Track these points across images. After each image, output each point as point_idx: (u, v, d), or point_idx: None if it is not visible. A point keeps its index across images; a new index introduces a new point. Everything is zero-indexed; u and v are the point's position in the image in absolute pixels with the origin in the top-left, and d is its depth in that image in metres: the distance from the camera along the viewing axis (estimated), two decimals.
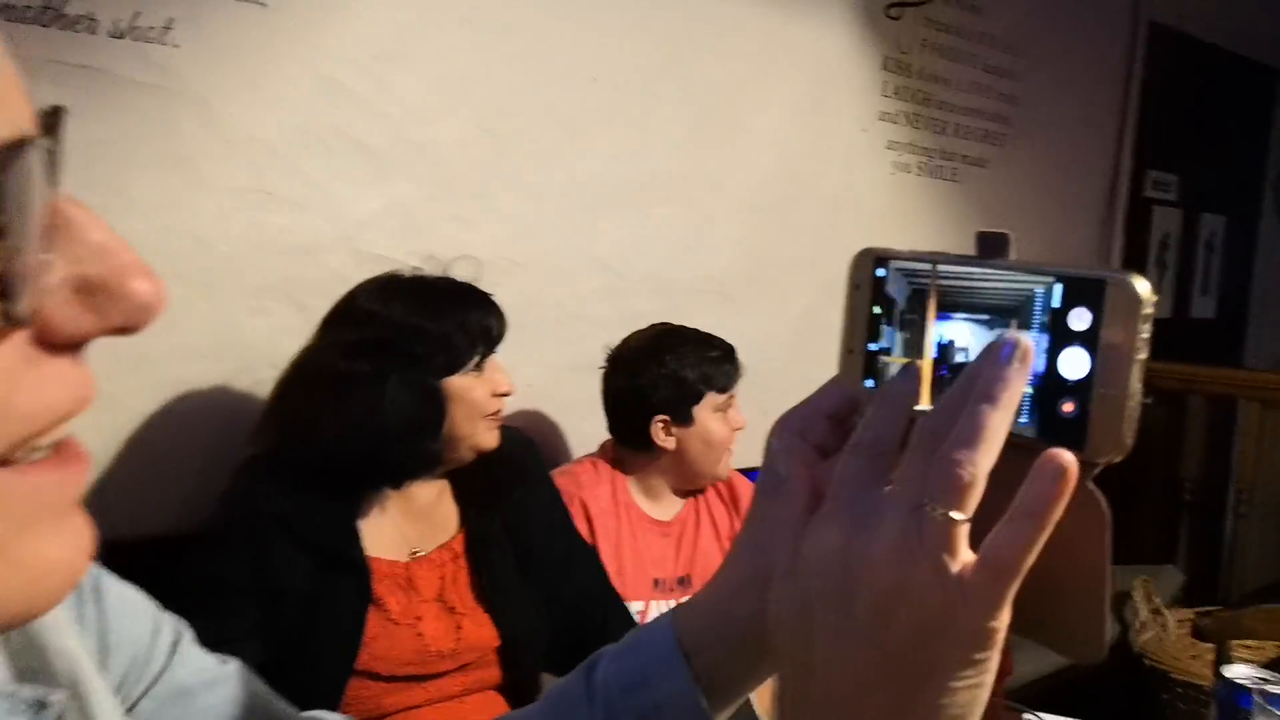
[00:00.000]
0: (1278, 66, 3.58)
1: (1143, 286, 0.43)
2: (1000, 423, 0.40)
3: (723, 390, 1.73)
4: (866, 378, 0.54)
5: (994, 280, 0.49)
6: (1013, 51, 2.74)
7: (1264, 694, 1.01)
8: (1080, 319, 0.45)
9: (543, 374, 1.97)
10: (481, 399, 1.39)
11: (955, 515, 0.39)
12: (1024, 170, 2.79)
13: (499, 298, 1.46)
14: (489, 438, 1.41)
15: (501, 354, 1.46)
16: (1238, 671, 1.11)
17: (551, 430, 2.02)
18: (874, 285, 0.54)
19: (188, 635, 0.55)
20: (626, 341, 1.79)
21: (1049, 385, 0.45)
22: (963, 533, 0.39)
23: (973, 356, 0.49)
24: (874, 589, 0.39)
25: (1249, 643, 2.08)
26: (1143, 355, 0.43)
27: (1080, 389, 0.44)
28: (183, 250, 1.51)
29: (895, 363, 0.53)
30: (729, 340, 1.80)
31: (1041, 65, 2.81)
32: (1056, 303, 0.46)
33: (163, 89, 1.46)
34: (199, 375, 1.54)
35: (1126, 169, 3.03)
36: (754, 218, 2.27)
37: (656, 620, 0.54)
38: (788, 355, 2.34)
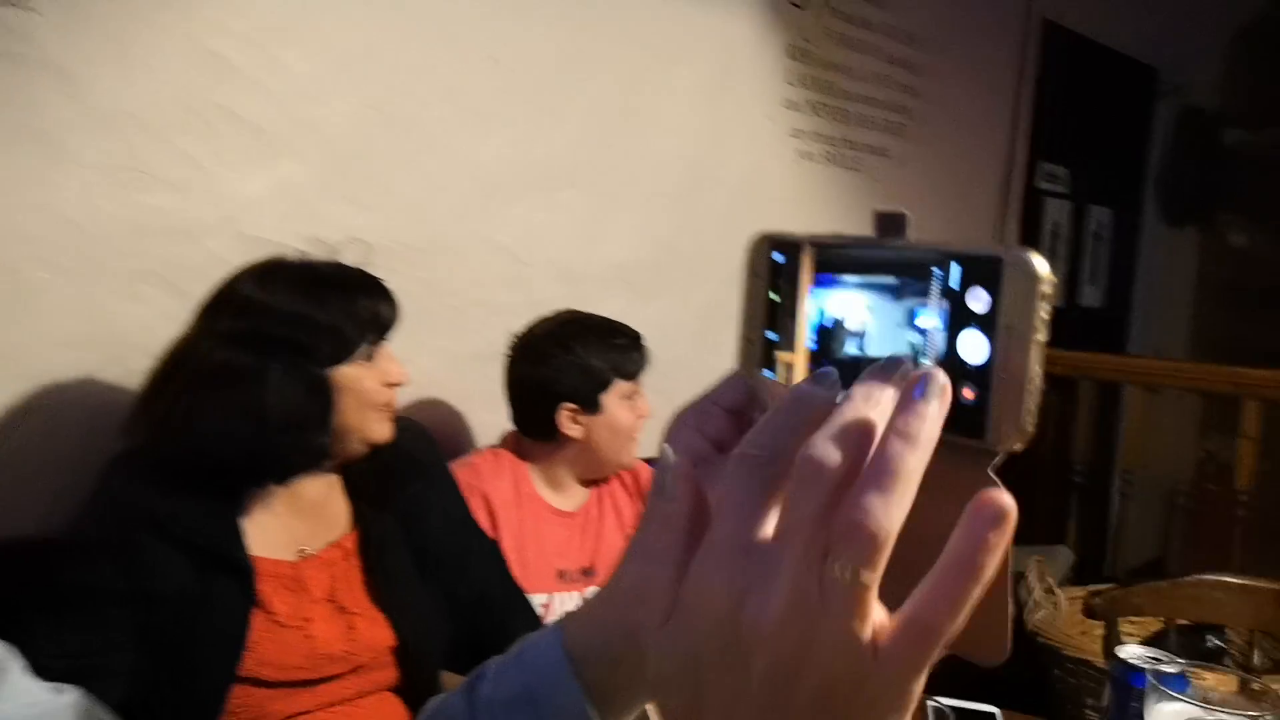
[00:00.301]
0: (1157, 65, 3.71)
1: (1039, 264, 0.41)
2: (918, 467, 0.36)
3: (630, 378, 1.71)
4: (765, 366, 0.52)
5: (892, 261, 0.47)
6: (913, 43, 2.77)
7: (1157, 674, 1.02)
8: (978, 300, 0.43)
9: (442, 363, 1.91)
10: (372, 390, 1.33)
11: (865, 577, 0.34)
12: (924, 160, 2.83)
13: (395, 284, 1.39)
14: (381, 430, 1.35)
15: (397, 343, 1.40)
16: (1131, 652, 1.13)
17: (452, 421, 1.96)
18: (771, 271, 0.51)
19: (15, 666, 0.49)
20: (531, 329, 1.75)
21: (948, 371, 0.42)
22: (873, 594, 0.34)
23: (870, 346, 0.48)
24: (772, 656, 0.34)
25: (1134, 619, 2.15)
26: (1042, 336, 0.41)
27: (980, 374, 0.42)
28: (47, 231, 1.41)
29: (788, 359, 0.51)
30: (635, 328, 1.77)
31: (940, 57, 2.85)
32: (955, 283, 0.43)
33: (22, 58, 1.35)
34: (66, 366, 1.44)
35: (1020, 161, 3.11)
36: (660, 204, 2.24)
37: (544, 630, 0.51)
38: (694, 344, 2.32)
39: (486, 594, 1.51)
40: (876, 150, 2.71)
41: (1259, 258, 3.95)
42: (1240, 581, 1.82)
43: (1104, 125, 3.56)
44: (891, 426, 0.36)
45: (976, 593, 0.35)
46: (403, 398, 1.82)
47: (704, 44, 2.28)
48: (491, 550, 1.55)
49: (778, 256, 0.52)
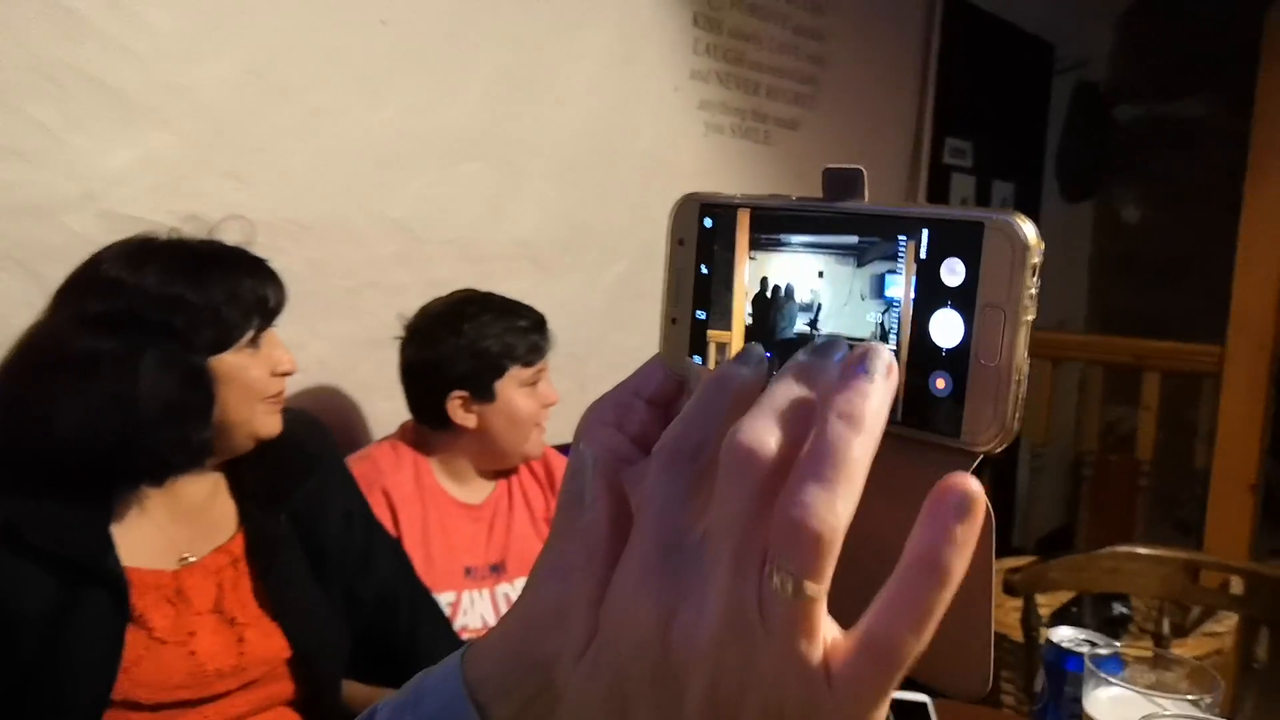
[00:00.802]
0: (1055, 42, 3.76)
1: (1029, 230, 0.35)
2: (863, 455, 0.31)
3: (528, 363, 1.60)
4: (694, 352, 0.45)
5: (847, 228, 0.40)
6: (818, 12, 2.72)
7: (1094, 658, 0.99)
8: (953, 273, 0.36)
9: (335, 349, 1.79)
10: (258, 379, 1.21)
11: (809, 589, 0.29)
12: (833, 133, 2.80)
13: (282, 265, 1.27)
14: (269, 423, 1.23)
15: (284, 328, 1.28)
16: (1063, 635, 1.09)
17: (347, 411, 1.84)
18: (700, 240, 0.45)
19: None
20: (424, 310, 1.64)
21: (916, 356, 0.37)
22: (820, 607, 0.29)
23: (824, 323, 0.41)
24: (708, 682, 0.29)
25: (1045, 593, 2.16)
26: (1030, 316, 0.35)
27: (955, 360, 0.36)
28: None
29: (721, 338, 0.44)
30: (542, 308, 1.68)
31: (846, 27, 2.82)
32: (925, 253, 0.37)
33: None
34: None
35: (927, 135, 3.11)
36: (566, 178, 2.15)
37: (443, 665, 0.42)
38: (605, 324, 2.24)
39: (390, 596, 1.40)
40: (786, 123, 2.66)
41: (1151, 231, 4.06)
42: (1151, 552, 1.83)
43: (1006, 101, 3.59)
44: (831, 407, 0.31)
45: (943, 600, 0.30)
46: (292, 387, 1.70)
47: (607, 9, 2.19)
48: (394, 548, 1.44)
49: (707, 221, 0.45)
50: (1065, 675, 1.07)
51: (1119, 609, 2.59)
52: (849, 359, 0.33)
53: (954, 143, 3.27)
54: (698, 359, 0.45)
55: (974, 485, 0.30)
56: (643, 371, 0.46)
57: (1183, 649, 2.31)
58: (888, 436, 0.35)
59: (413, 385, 1.63)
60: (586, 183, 2.19)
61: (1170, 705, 0.86)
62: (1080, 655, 1.04)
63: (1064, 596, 2.54)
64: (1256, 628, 1.87)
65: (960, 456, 0.37)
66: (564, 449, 1.91)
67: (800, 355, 0.35)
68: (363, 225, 1.81)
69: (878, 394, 0.32)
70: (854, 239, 0.41)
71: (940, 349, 0.36)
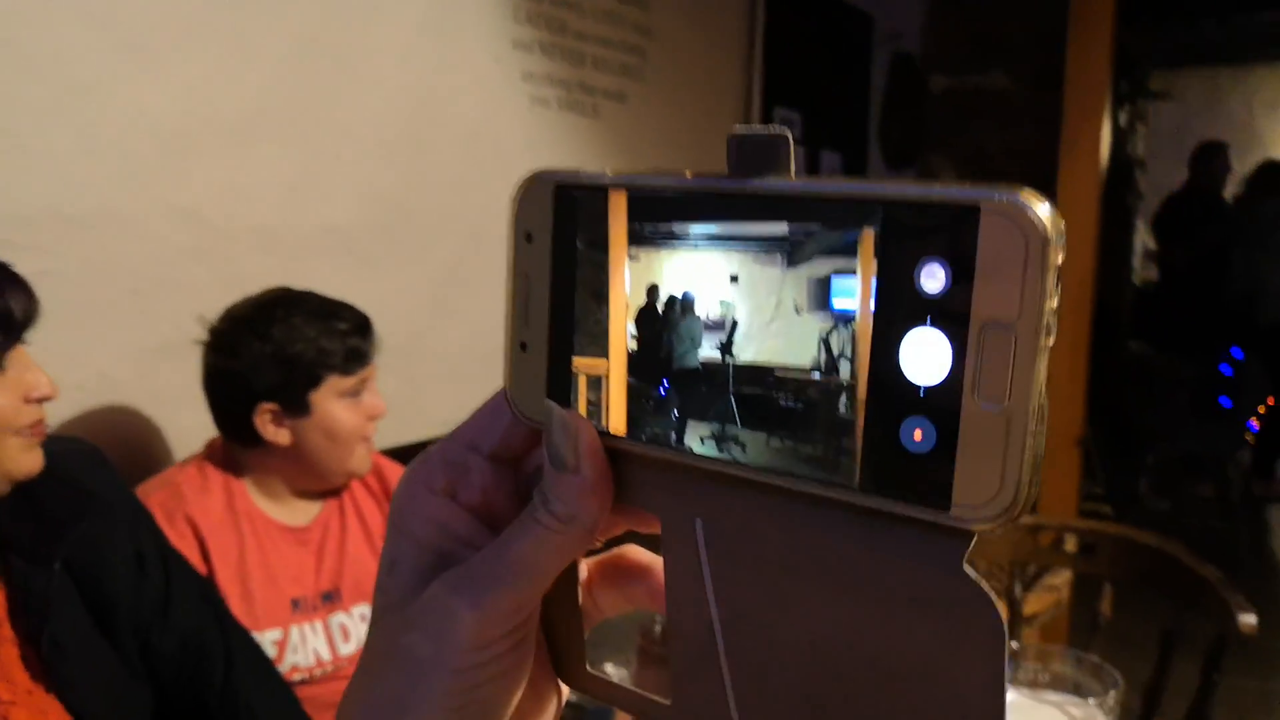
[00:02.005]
0: (873, 13, 3.80)
1: (1045, 214, 0.25)
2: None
3: (348, 372, 1.41)
4: (553, 390, 0.34)
5: (772, 213, 0.30)
6: None
7: None
8: (934, 277, 0.26)
9: (120, 360, 1.56)
10: (6, 409, 1.00)
11: None
12: (662, 105, 2.71)
13: (45, 266, 1.07)
14: (25, 460, 1.02)
15: (52, 341, 1.07)
16: None
17: (142, 431, 1.61)
18: (557, 234, 0.33)
19: None
20: (229, 311, 1.44)
21: (882, 395, 0.27)
22: None
23: (742, 345, 0.32)
24: None
25: None
26: (1050, 339, 0.25)
27: (939, 400, 0.26)
28: None
29: (592, 369, 0.34)
30: (361, 301, 1.50)
31: None
32: (890, 249, 0.27)
33: None
34: None
35: (757, 106, 3.06)
36: (379, 158, 1.96)
37: None
38: (431, 316, 2.08)
39: (197, 643, 1.21)
40: (614, 95, 2.55)
41: None
42: None
43: (831, 71, 3.60)
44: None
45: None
46: (70, 409, 1.47)
47: None
48: (201, 588, 1.25)
49: (565, 209, 0.34)
50: None
51: None
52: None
53: (783, 113, 3.24)
54: (556, 401, 0.35)
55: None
56: (483, 416, 0.35)
57: (1028, 606, 2.37)
58: (844, 514, 0.28)
59: (216, 398, 1.43)
60: (403, 162, 2.01)
61: (1076, 711, 0.80)
62: None
63: None
64: (1099, 584, 1.91)
65: (949, 537, 0.26)
66: (395, 453, 1.74)
67: None
68: (146, 216, 1.58)
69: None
70: (782, 228, 0.30)
71: (915, 386, 0.26)
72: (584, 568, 0.40)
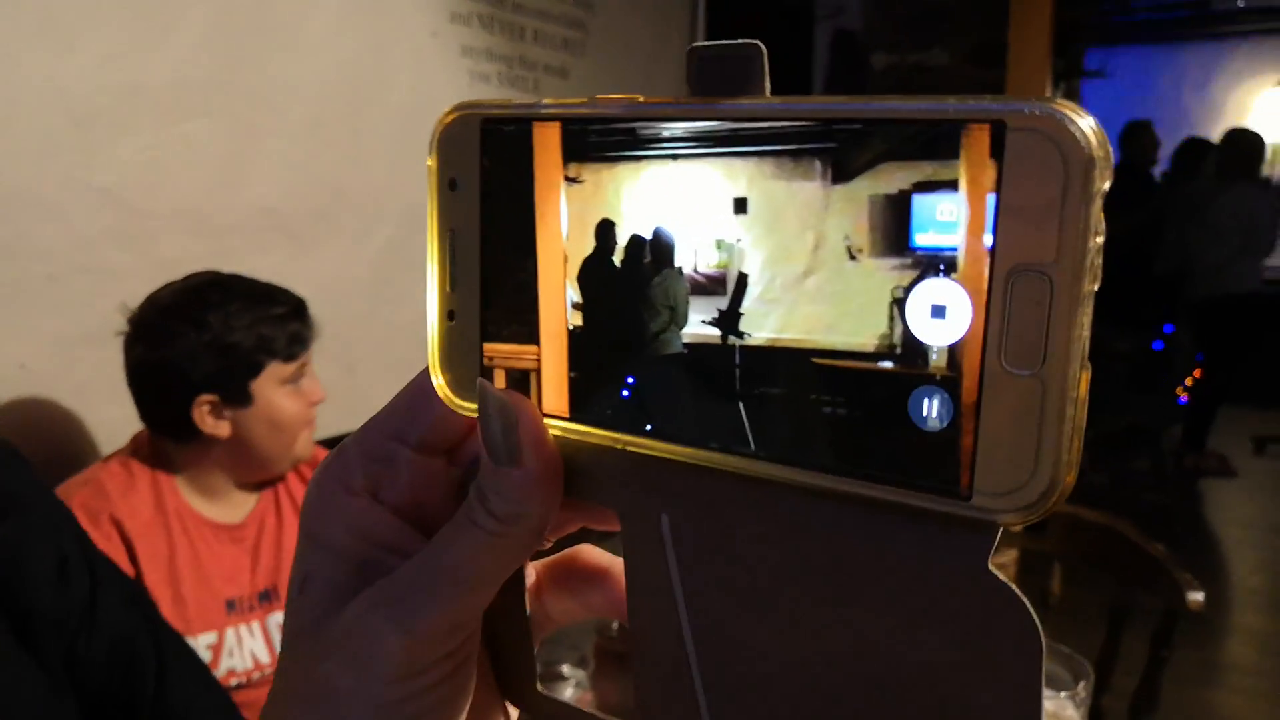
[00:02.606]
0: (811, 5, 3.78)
1: (1088, 129, 0.20)
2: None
3: (290, 358, 1.35)
4: (488, 367, 0.29)
5: (742, 141, 0.25)
6: None
7: None
8: (948, 218, 0.21)
9: (39, 350, 1.47)
10: None
11: None
12: (605, 81, 2.64)
13: None
14: None
15: None
16: None
17: (61, 426, 1.52)
18: (486, 178, 0.28)
19: None
20: (153, 299, 1.35)
21: (881, 370, 0.23)
22: None
23: (754, 318, 0.25)
24: None
25: None
26: (1094, 285, 0.20)
27: (953, 365, 0.22)
28: None
29: (517, 357, 0.29)
30: (297, 285, 1.43)
31: None
32: (891, 184, 0.22)
33: None
34: None
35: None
36: (313, 135, 1.88)
37: None
38: (371, 298, 2.01)
39: (125, 651, 1.15)
40: (555, 71, 2.48)
41: None
42: None
43: (774, 47, 3.57)
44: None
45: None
46: None
47: None
48: (128, 592, 1.18)
49: (496, 148, 0.28)
50: None
51: None
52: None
53: None
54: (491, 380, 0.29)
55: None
56: (406, 401, 0.30)
57: None
58: (844, 506, 0.23)
59: (145, 391, 1.34)
60: (338, 140, 1.93)
61: (1047, 704, 0.78)
62: None
63: None
64: (1046, 561, 1.92)
65: (969, 532, 0.22)
66: (333, 442, 1.68)
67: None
68: (61, 197, 1.49)
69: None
70: (760, 162, 0.25)
71: (925, 346, 0.22)
72: (531, 572, 0.35)
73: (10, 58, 1.40)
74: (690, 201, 0.25)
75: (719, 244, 0.25)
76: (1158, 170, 5.36)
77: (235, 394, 1.31)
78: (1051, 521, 1.86)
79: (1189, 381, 4.68)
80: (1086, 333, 0.20)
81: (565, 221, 0.27)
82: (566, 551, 0.35)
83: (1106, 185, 0.20)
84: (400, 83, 2.05)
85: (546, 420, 0.28)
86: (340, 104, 1.92)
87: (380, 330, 2.00)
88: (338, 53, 1.91)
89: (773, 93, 0.25)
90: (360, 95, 1.96)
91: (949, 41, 3.83)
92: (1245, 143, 4.67)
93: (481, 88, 2.25)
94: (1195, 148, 5.10)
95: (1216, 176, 4.60)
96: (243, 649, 1.34)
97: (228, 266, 1.43)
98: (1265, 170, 4.94)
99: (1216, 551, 3.95)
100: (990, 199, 0.21)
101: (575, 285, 0.27)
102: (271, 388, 1.32)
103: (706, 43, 0.26)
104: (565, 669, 1.03)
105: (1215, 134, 5.31)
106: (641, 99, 0.27)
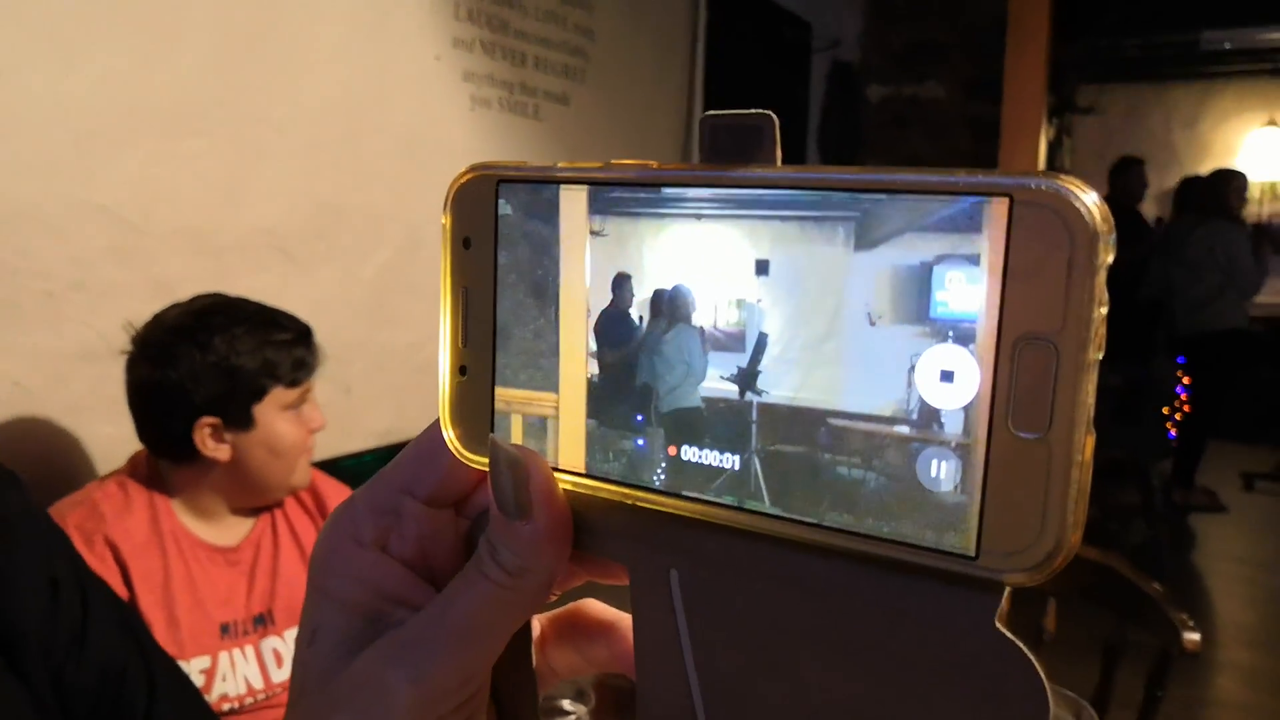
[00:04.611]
0: (812, 21, 3.81)
1: (1091, 205, 0.21)
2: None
3: (294, 383, 1.34)
4: (501, 422, 0.30)
5: (752, 214, 0.25)
6: None
7: None
8: (954, 284, 0.23)
9: (35, 368, 1.46)
10: None
11: None
12: (605, 109, 2.66)
13: None
14: None
15: None
16: None
17: (56, 442, 1.51)
18: (501, 239, 0.28)
19: None
20: (159, 318, 1.35)
21: (887, 430, 0.24)
22: None
23: (772, 378, 0.26)
24: None
25: None
26: (1099, 354, 0.22)
27: (962, 428, 0.23)
28: None
29: (536, 404, 0.29)
30: (295, 305, 1.42)
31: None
32: (893, 258, 0.23)
33: None
34: None
35: (699, 112, 3.04)
36: (314, 156, 1.88)
37: None
38: (369, 321, 2.00)
39: (116, 675, 1.13)
40: (556, 97, 2.49)
41: None
42: None
43: (771, 77, 3.60)
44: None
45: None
46: None
47: None
48: (120, 615, 1.16)
49: (508, 208, 0.29)
50: None
51: None
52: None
53: None
54: (501, 431, 0.30)
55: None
56: (416, 454, 0.30)
57: None
58: (853, 564, 0.24)
59: (147, 411, 1.33)
60: (339, 162, 1.93)
61: None
62: None
63: None
64: (1039, 596, 1.91)
65: (977, 591, 0.23)
66: (330, 466, 1.66)
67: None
68: (60, 214, 1.48)
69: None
70: (770, 234, 0.25)
71: (935, 409, 0.23)
72: (536, 625, 0.35)
73: (13, 75, 1.40)
74: (711, 261, 0.26)
75: (739, 304, 0.25)
76: (1146, 207, 5.41)
77: (237, 417, 1.30)
78: None
79: (1178, 416, 4.70)
80: (1091, 399, 0.22)
81: (589, 273, 0.28)
82: (571, 605, 0.35)
83: (1110, 258, 0.21)
84: (402, 106, 2.06)
85: (557, 474, 0.29)
86: (341, 126, 1.93)
87: (378, 352, 1.99)
88: (340, 75, 1.91)
89: (779, 153, 0.26)
90: (361, 118, 1.97)
91: (944, 75, 3.87)
92: (1223, 181, 4.72)
93: (483, 112, 2.25)
94: (1192, 187, 5.16)
95: (1203, 214, 4.64)
96: (236, 674, 1.32)
97: (226, 285, 1.42)
98: (1253, 209, 4.99)
99: (1207, 587, 3.95)
100: (998, 271, 0.22)
101: (595, 336, 0.28)
102: (274, 413, 1.31)
103: (719, 111, 0.27)
104: (566, 704, 1.01)
105: (1203, 171, 5.37)
106: (655, 165, 0.27)
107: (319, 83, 1.86)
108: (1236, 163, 5.98)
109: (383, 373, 1.97)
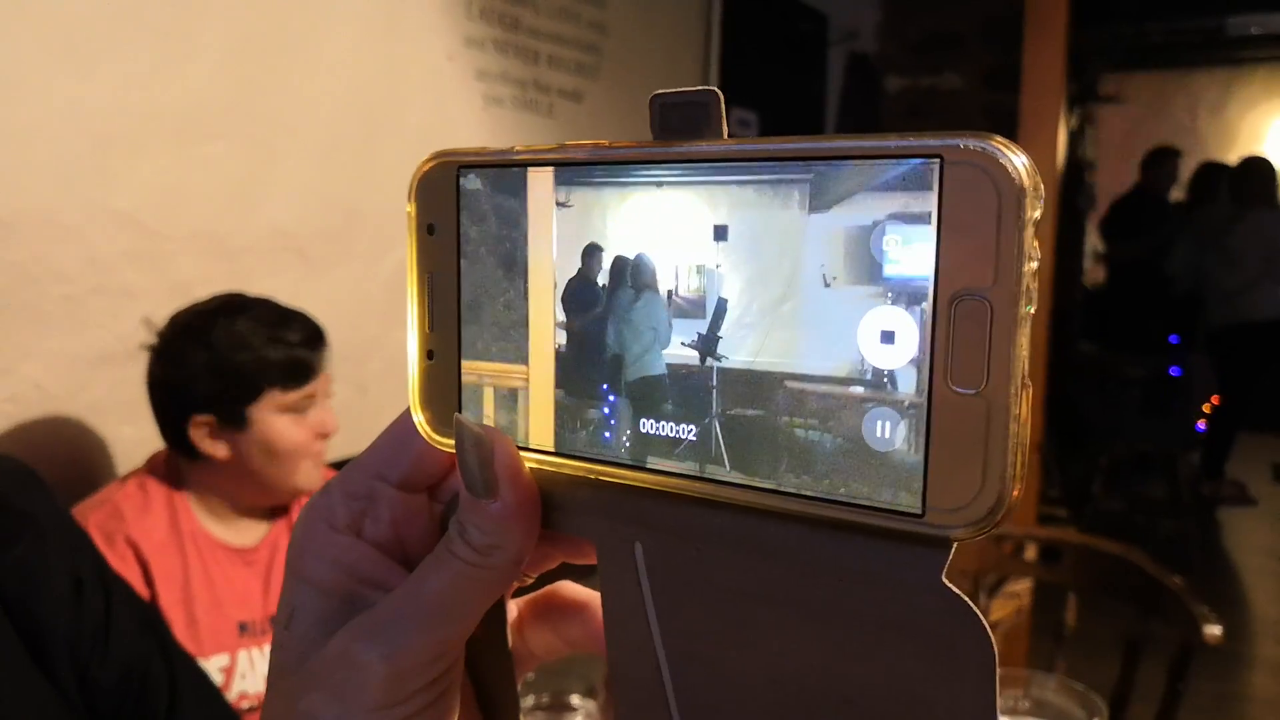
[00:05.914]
0: (828, 13, 3.80)
1: (1019, 163, 0.22)
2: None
3: (290, 387, 1.32)
4: (468, 403, 0.30)
5: (703, 183, 0.26)
6: None
7: None
8: (892, 244, 0.23)
9: (56, 370, 1.48)
10: None
11: None
12: (619, 105, 2.66)
13: None
14: None
15: None
16: None
17: (79, 444, 1.53)
18: (463, 224, 0.29)
19: None
20: (176, 317, 1.37)
21: (837, 391, 0.24)
22: None
23: (732, 340, 0.26)
24: None
25: None
26: (1030, 307, 0.22)
27: (901, 386, 0.23)
28: None
29: (506, 376, 0.29)
30: (311, 305, 1.43)
31: None
32: (840, 220, 0.24)
33: None
34: None
35: None
36: (328, 158, 1.89)
37: None
38: (383, 321, 2.01)
39: (138, 673, 1.14)
40: (570, 94, 2.50)
41: None
42: None
43: (787, 70, 3.59)
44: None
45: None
46: (0, 422, 1.39)
47: None
48: (142, 613, 1.18)
49: (471, 190, 0.30)
50: None
51: None
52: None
53: (739, 113, 3.22)
54: (472, 413, 0.30)
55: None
56: (388, 439, 0.31)
57: (991, 614, 2.37)
58: (806, 528, 0.24)
59: (155, 408, 1.36)
60: (353, 163, 1.94)
61: None
62: None
63: None
64: (1060, 590, 1.90)
65: (925, 548, 0.23)
66: (344, 465, 1.68)
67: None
68: (79, 219, 1.50)
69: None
70: (717, 203, 0.26)
71: (876, 370, 0.23)
72: (513, 608, 0.36)
73: (32, 81, 1.42)
74: (671, 228, 0.26)
75: (699, 270, 0.26)
76: (1171, 194, 5.35)
77: (231, 417, 1.30)
78: (1067, 551, 1.84)
79: (1207, 408, 4.64)
80: (1025, 353, 0.22)
81: (556, 244, 0.28)
82: (547, 587, 0.36)
83: (1037, 214, 0.21)
84: (415, 106, 2.07)
85: (523, 453, 0.29)
86: (355, 127, 1.94)
87: (393, 351, 2.01)
88: (353, 76, 1.92)
89: (772, 122, 0.27)
90: (375, 118, 1.98)
91: (962, 65, 3.84)
92: (1261, 170, 4.66)
93: (496, 111, 2.26)
94: (1211, 172, 5.09)
95: (1233, 203, 4.58)
96: (255, 672, 1.33)
97: (243, 287, 1.44)
98: None
99: (1235, 581, 3.90)
100: (933, 230, 0.22)
101: (563, 306, 0.28)
102: (270, 414, 1.31)
103: (666, 90, 0.28)
104: (574, 699, 1.02)
105: (1230, 159, 5.30)
106: (607, 143, 0.28)
107: (332, 85, 1.88)
108: (1263, 150, 5.90)
109: (398, 371, 1.97)
